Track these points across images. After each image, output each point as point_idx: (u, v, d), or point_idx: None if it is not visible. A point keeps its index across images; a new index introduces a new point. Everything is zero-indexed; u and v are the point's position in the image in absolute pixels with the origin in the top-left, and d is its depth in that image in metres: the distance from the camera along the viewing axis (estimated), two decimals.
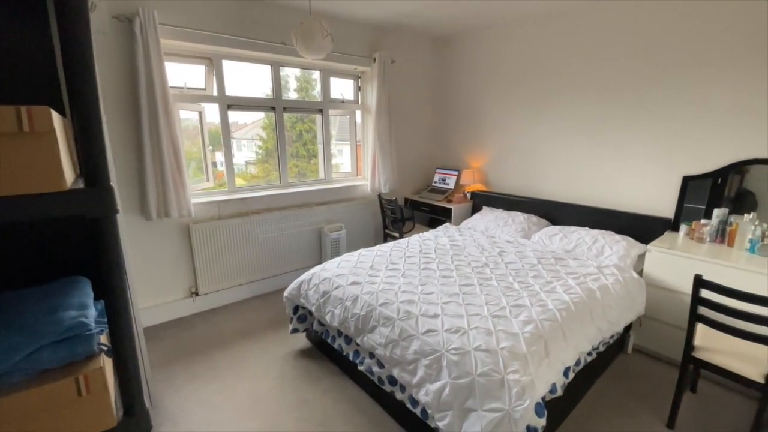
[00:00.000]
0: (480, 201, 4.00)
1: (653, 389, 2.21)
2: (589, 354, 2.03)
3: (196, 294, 3.09)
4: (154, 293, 2.91)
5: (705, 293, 1.75)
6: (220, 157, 3.32)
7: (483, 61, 3.88)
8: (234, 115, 3.30)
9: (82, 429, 0.77)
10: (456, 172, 4.26)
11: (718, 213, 2.47)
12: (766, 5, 2.25)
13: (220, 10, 2.88)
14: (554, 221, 3.40)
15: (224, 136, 3.17)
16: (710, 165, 2.59)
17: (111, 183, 0.77)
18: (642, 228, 2.84)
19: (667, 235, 2.68)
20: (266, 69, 3.36)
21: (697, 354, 1.84)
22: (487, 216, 3.59)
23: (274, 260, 3.46)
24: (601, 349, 2.15)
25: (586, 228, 3.01)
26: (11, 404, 0.70)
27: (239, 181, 3.48)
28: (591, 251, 2.74)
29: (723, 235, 2.46)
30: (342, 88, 3.94)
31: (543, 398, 1.56)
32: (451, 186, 4.26)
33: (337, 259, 2.64)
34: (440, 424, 1.56)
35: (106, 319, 0.85)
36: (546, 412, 1.51)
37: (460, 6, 3.17)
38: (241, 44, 2.99)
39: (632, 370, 2.39)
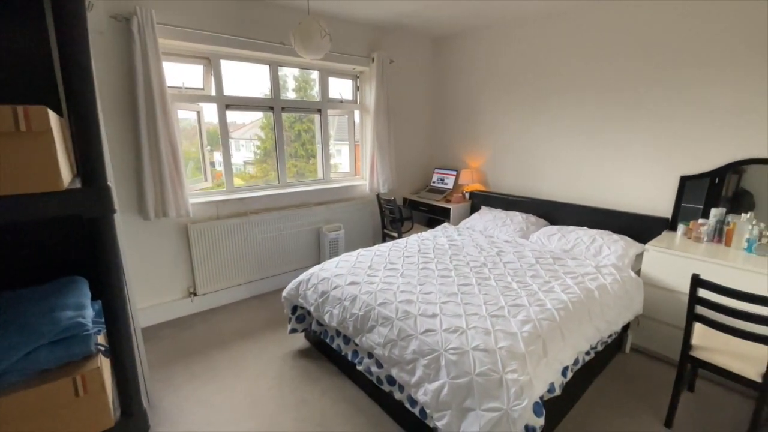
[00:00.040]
0: (478, 201, 4.00)
1: (651, 388, 2.21)
2: (588, 353, 2.04)
3: (195, 294, 3.08)
4: (152, 293, 2.90)
5: (702, 293, 1.76)
6: (218, 157, 3.32)
7: (482, 61, 3.88)
8: (232, 115, 3.29)
9: (80, 429, 0.77)
10: (454, 172, 4.26)
11: (715, 213, 2.48)
12: (765, 5, 2.25)
13: (218, 9, 2.88)
14: (552, 221, 3.40)
15: (222, 136, 3.16)
16: (708, 165, 2.59)
17: (108, 183, 0.76)
18: (640, 228, 2.85)
19: (665, 234, 2.69)
20: (264, 69, 3.35)
21: (695, 353, 1.85)
22: (486, 216, 3.59)
23: (272, 260, 3.46)
24: (599, 348, 2.16)
25: (585, 228, 3.02)
26: (9, 404, 0.70)
27: (237, 181, 3.47)
28: (589, 251, 2.75)
29: (720, 234, 2.47)
30: (340, 88, 3.94)
31: (541, 398, 1.56)
32: (450, 186, 4.26)
33: (335, 259, 2.64)
34: (439, 424, 1.56)
35: (103, 320, 0.84)
36: (544, 412, 1.51)
37: (459, 6, 3.18)
38: (239, 44, 2.99)
39: (630, 369, 2.40)
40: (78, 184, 0.76)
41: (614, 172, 3.08)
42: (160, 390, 2.18)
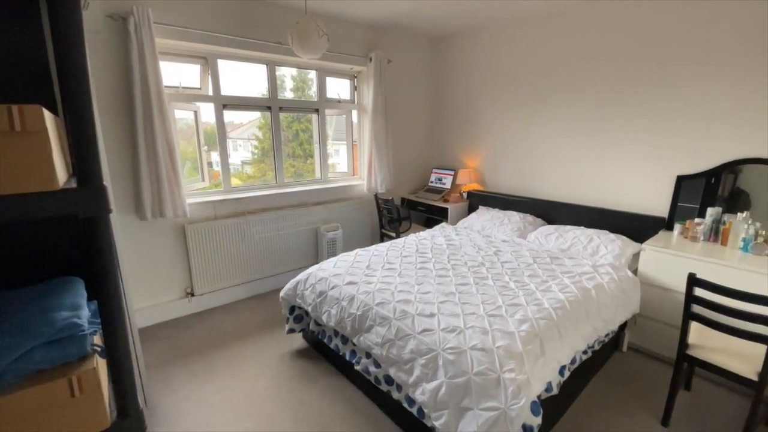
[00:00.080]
0: (476, 200, 4.01)
1: (648, 387, 2.22)
2: (585, 352, 2.04)
3: (192, 294, 3.07)
4: (149, 294, 2.89)
5: (699, 291, 1.76)
6: (215, 157, 3.31)
7: (480, 61, 3.89)
8: (230, 115, 3.29)
9: (76, 430, 0.77)
10: (452, 172, 4.26)
11: (711, 212, 2.49)
12: (764, 6, 2.26)
13: (215, 9, 2.87)
14: (550, 221, 3.41)
15: (220, 136, 3.16)
16: (704, 164, 2.61)
17: (104, 182, 0.76)
18: (637, 227, 2.86)
19: (662, 234, 2.70)
20: (262, 68, 3.35)
21: (691, 352, 1.85)
22: (484, 215, 3.60)
23: (270, 260, 3.45)
24: (597, 347, 2.17)
25: (582, 227, 3.03)
26: (4, 405, 0.70)
27: (235, 181, 3.47)
28: (586, 250, 2.76)
29: (716, 233, 2.48)
30: (338, 87, 3.94)
31: (539, 397, 1.56)
32: (448, 186, 4.26)
33: (333, 259, 2.63)
34: (436, 423, 1.57)
35: (99, 320, 0.84)
36: (542, 411, 1.51)
37: (457, 6, 3.18)
38: (236, 43, 2.98)
39: (627, 368, 2.40)
40: (73, 184, 0.76)
41: (611, 171, 3.09)
42: (158, 391, 2.17)
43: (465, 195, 4.10)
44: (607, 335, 2.23)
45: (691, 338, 1.91)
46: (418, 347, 1.71)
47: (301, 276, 2.51)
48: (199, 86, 3.08)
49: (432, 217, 4.17)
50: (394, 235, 3.67)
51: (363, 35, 3.76)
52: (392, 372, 1.80)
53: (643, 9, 2.74)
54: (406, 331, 1.80)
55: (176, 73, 2.96)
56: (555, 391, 1.71)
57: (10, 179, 0.66)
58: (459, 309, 1.91)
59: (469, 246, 2.95)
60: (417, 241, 3.06)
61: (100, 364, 0.83)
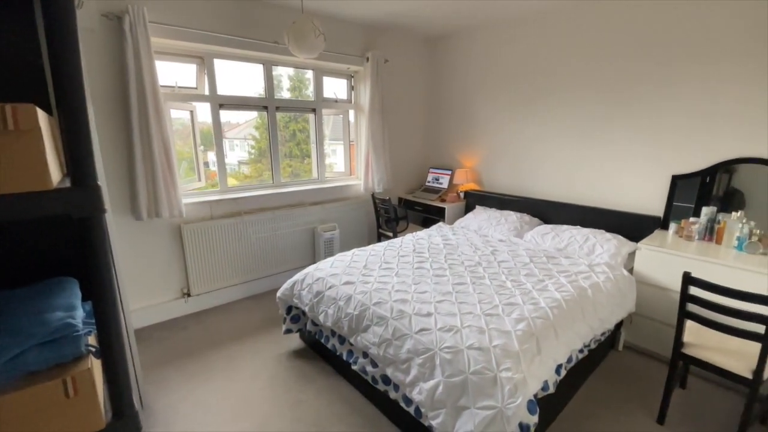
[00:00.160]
0: (473, 200, 4.01)
1: (643, 385, 2.23)
2: (581, 351, 2.05)
3: (188, 295, 3.06)
4: (145, 294, 2.88)
5: (694, 290, 1.78)
6: (212, 156, 3.30)
7: (476, 61, 3.90)
8: (226, 115, 3.28)
9: (70, 431, 0.76)
10: (449, 172, 4.27)
11: (706, 211, 2.51)
12: (764, 5, 2.26)
13: (211, 8, 2.86)
14: (546, 220, 3.42)
15: (216, 136, 3.15)
16: (699, 164, 2.62)
17: (98, 182, 0.76)
18: (632, 226, 2.87)
19: (657, 233, 2.71)
20: (258, 68, 3.34)
21: (687, 350, 1.87)
22: (480, 215, 3.61)
23: (267, 260, 3.44)
24: (593, 346, 2.17)
25: (578, 227, 3.04)
26: None
27: (232, 181, 3.45)
28: (582, 249, 2.77)
29: (711, 233, 2.50)
30: (335, 87, 3.93)
31: (535, 395, 1.57)
32: (445, 185, 4.27)
33: (330, 259, 2.63)
34: (434, 423, 1.57)
35: (93, 320, 0.83)
36: (538, 409, 1.52)
37: (454, 6, 3.18)
38: (232, 43, 2.97)
39: (623, 366, 2.42)
40: (67, 184, 0.75)
41: (607, 171, 3.10)
42: (154, 392, 2.16)
43: (462, 195, 4.11)
44: (603, 334, 2.24)
45: (687, 337, 1.92)
46: (415, 347, 1.72)
47: (298, 276, 2.50)
48: (195, 86, 3.07)
49: (429, 216, 4.18)
50: (391, 234, 3.67)
51: (360, 35, 3.76)
52: (389, 371, 1.80)
53: (632, 9, 2.75)
54: (403, 331, 1.80)
55: (172, 73, 2.95)
56: (551, 389, 1.71)
57: (3, 179, 0.66)
58: (456, 308, 1.91)
59: (466, 245, 2.95)
60: (414, 240, 3.07)
61: (95, 365, 0.83)
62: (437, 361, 1.62)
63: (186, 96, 3.02)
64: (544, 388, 1.67)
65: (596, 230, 2.91)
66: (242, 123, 4.06)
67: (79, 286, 1.04)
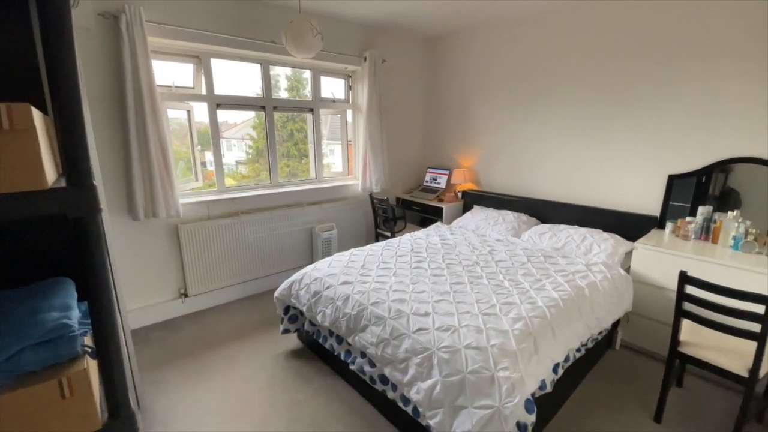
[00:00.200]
0: (471, 200, 4.02)
1: (640, 384, 2.24)
2: (578, 350, 2.06)
3: (186, 295, 3.05)
4: (142, 295, 2.87)
5: (690, 289, 1.78)
6: (209, 156, 3.29)
7: (476, 60, 3.90)
8: (223, 115, 3.27)
9: (66, 431, 0.76)
10: (447, 172, 4.27)
11: (702, 211, 2.52)
12: (764, 5, 2.26)
13: (208, 7, 2.85)
14: (544, 220, 3.43)
15: (213, 136, 3.14)
16: (695, 164, 2.63)
17: (94, 182, 0.75)
18: (629, 226, 2.88)
19: (654, 232, 2.72)
20: (256, 68, 3.33)
21: (683, 349, 1.88)
22: (478, 215, 3.61)
23: (264, 261, 3.44)
24: (590, 345, 2.18)
25: (575, 226, 3.05)
26: None
27: (229, 181, 3.45)
28: (579, 249, 2.77)
29: (707, 232, 2.51)
30: (333, 87, 3.93)
31: (533, 394, 1.57)
32: (443, 185, 4.27)
33: (328, 259, 2.63)
34: (431, 422, 1.57)
35: (89, 321, 0.83)
36: (536, 408, 1.52)
37: (452, 6, 3.19)
38: (230, 42, 2.96)
39: (620, 365, 2.42)
40: (63, 183, 0.75)
41: (604, 171, 3.11)
42: (151, 392, 2.15)
43: (460, 194, 4.11)
44: (600, 333, 2.24)
45: (683, 335, 1.93)
46: (412, 346, 1.72)
47: (296, 276, 2.50)
48: (192, 85, 3.06)
49: (427, 216, 4.18)
50: (389, 234, 3.67)
51: (357, 34, 3.75)
52: (387, 371, 1.80)
53: (629, 9, 2.76)
54: (401, 331, 1.80)
55: (169, 72, 2.94)
56: (549, 388, 1.72)
57: None
58: (453, 308, 1.91)
59: (464, 245, 2.95)
60: (412, 240, 3.07)
61: (91, 365, 0.82)
62: (435, 360, 1.62)
63: (183, 96, 3.01)
64: (542, 387, 1.68)
65: (593, 230, 2.92)
66: (240, 123, 4.05)
67: (75, 287, 1.03)
